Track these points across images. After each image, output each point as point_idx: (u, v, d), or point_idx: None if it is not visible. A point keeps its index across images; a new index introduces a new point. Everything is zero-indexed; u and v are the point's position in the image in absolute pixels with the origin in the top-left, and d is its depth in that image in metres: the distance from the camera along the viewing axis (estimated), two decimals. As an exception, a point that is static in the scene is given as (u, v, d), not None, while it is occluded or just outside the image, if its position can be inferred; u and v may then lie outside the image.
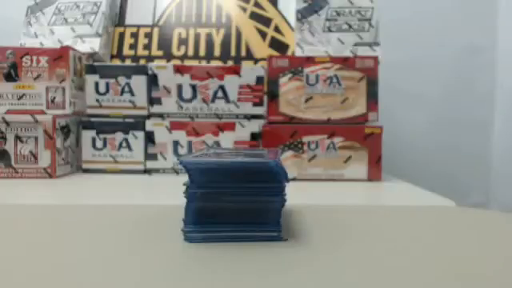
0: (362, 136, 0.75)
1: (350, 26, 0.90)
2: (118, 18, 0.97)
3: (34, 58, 0.76)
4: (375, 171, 0.75)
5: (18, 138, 0.73)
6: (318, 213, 0.47)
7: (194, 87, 0.79)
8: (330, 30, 0.90)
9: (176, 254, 0.33)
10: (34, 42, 0.91)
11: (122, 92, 0.80)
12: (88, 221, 0.44)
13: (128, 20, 0.97)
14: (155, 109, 0.80)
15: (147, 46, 0.94)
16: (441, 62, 1.13)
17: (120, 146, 0.79)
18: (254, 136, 0.79)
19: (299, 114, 0.77)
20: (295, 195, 0.43)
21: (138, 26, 0.96)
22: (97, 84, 0.80)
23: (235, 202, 0.36)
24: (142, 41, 0.95)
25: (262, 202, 0.37)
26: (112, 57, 0.94)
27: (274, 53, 0.92)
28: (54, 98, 0.77)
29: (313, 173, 0.75)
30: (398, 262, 0.32)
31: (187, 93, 0.79)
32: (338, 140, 0.75)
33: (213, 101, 0.79)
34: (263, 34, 0.94)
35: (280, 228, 0.37)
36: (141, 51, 0.94)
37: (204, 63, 0.92)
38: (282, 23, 0.95)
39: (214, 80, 0.79)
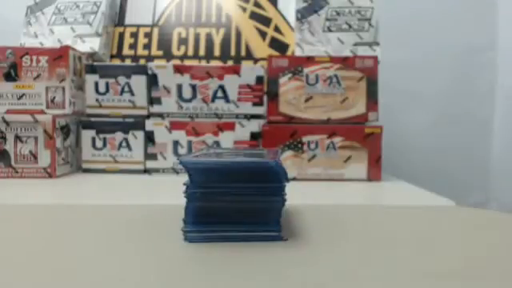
0: (361, 136, 0.75)
1: (350, 26, 0.90)
2: (118, 17, 0.97)
3: (34, 57, 0.76)
4: (375, 171, 0.75)
5: (17, 137, 0.73)
6: (317, 213, 0.47)
7: (193, 87, 0.79)
8: (329, 30, 0.90)
9: (176, 254, 0.33)
10: (33, 41, 0.91)
11: (122, 92, 0.80)
12: (88, 221, 0.44)
13: (128, 20, 0.97)
14: (155, 108, 0.80)
15: (147, 46, 0.94)
16: (441, 61, 1.13)
17: (120, 145, 0.79)
18: (253, 136, 0.79)
19: (299, 113, 0.77)
20: (295, 195, 0.43)
21: (138, 26, 0.96)
22: (96, 84, 0.80)
23: (235, 201, 0.36)
24: (142, 40, 0.95)
25: (262, 202, 0.37)
26: (112, 56, 0.94)
27: (274, 52, 0.92)
28: (54, 97, 0.76)
29: (313, 173, 0.75)
30: (398, 262, 0.32)
31: (187, 92, 0.79)
32: (337, 140, 0.75)
33: (213, 100, 0.79)
34: (263, 34, 0.94)
35: (280, 228, 0.37)
36: (140, 51, 0.94)
37: (204, 63, 0.92)
38: (281, 23, 0.95)
39: (214, 80, 0.79)
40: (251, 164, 0.37)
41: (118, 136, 0.79)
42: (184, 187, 0.36)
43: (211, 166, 0.36)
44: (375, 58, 0.78)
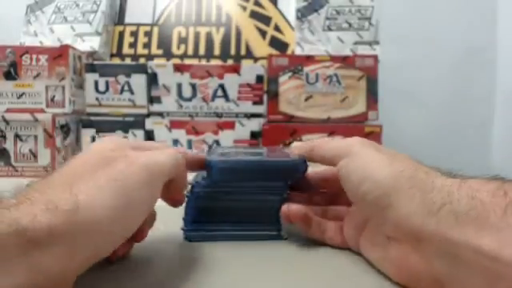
0: (361, 135, 0.75)
1: (350, 25, 0.90)
2: (118, 16, 0.97)
3: (34, 56, 0.76)
4: (375, 170, 0.75)
5: (17, 136, 0.73)
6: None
7: (193, 86, 0.79)
8: (329, 29, 0.90)
9: (176, 254, 0.33)
10: (33, 40, 0.91)
11: (122, 91, 0.80)
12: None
13: (128, 18, 0.97)
14: (155, 107, 0.80)
15: (147, 45, 0.94)
16: (440, 61, 1.13)
17: (120, 144, 0.79)
18: (253, 135, 0.78)
19: (299, 112, 0.77)
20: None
21: (138, 25, 0.96)
22: (96, 83, 0.80)
23: (235, 200, 0.36)
24: (142, 39, 0.94)
25: (261, 201, 0.37)
26: (112, 55, 0.94)
27: (274, 51, 0.92)
28: (54, 96, 0.76)
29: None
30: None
31: (187, 91, 0.79)
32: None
33: (212, 99, 0.79)
34: (263, 33, 0.94)
35: (280, 227, 0.37)
36: (140, 50, 0.94)
37: (204, 62, 0.91)
38: (281, 22, 0.95)
39: (214, 79, 0.79)
40: (279, 163, 0.37)
41: (118, 135, 0.79)
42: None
43: (241, 166, 0.36)
44: (375, 57, 0.78)
